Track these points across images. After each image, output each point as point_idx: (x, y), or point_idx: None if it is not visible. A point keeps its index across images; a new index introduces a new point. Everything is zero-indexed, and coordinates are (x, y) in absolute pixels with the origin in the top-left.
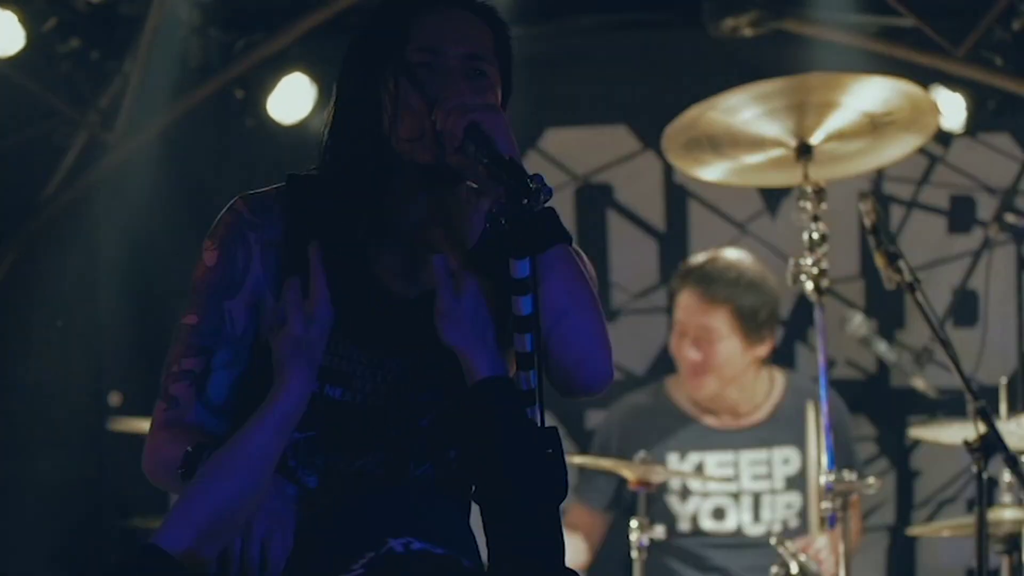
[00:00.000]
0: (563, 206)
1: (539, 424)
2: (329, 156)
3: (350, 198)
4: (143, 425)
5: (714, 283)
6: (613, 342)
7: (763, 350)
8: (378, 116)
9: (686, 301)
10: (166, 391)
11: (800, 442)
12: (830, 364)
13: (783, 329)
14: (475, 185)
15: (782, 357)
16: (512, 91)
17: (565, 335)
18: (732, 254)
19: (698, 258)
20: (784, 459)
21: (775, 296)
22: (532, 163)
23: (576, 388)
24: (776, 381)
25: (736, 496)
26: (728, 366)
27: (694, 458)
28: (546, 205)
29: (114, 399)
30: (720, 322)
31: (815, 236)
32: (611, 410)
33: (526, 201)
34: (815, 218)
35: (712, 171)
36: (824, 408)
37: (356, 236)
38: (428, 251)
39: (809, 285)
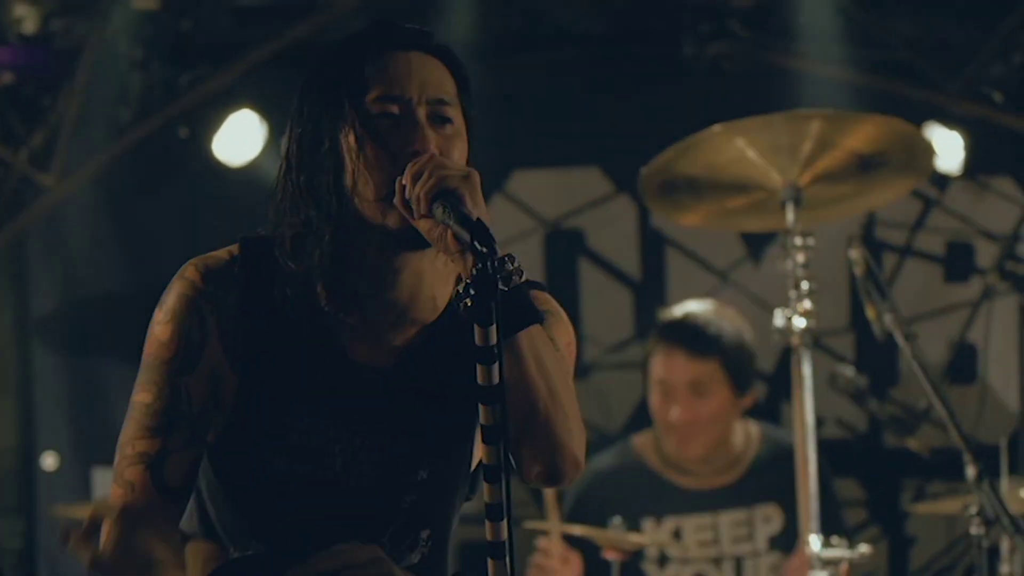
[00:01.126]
0: (531, 253)
1: (505, 488)
2: (285, 217)
3: (310, 264)
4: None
5: (699, 338)
6: (585, 399)
7: (748, 402)
8: (339, 173)
9: (670, 360)
10: (121, 475)
11: (781, 498)
12: (818, 423)
13: (767, 385)
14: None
15: (766, 414)
16: (476, 132)
17: (534, 425)
18: (703, 308)
19: (672, 314)
20: (765, 518)
21: (753, 346)
22: (498, 208)
23: (544, 479)
24: (752, 435)
25: (717, 561)
26: (719, 422)
27: (671, 523)
28: (518, 282)
29: (48, 461)
30: (710, 376)
31: (802, 285)
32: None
33: (493, 269)
34: (802, 266)
35: (691, 216)
36: (811, 471)
37: (318, 305)
38: (397, 317)
39: (795, 338)
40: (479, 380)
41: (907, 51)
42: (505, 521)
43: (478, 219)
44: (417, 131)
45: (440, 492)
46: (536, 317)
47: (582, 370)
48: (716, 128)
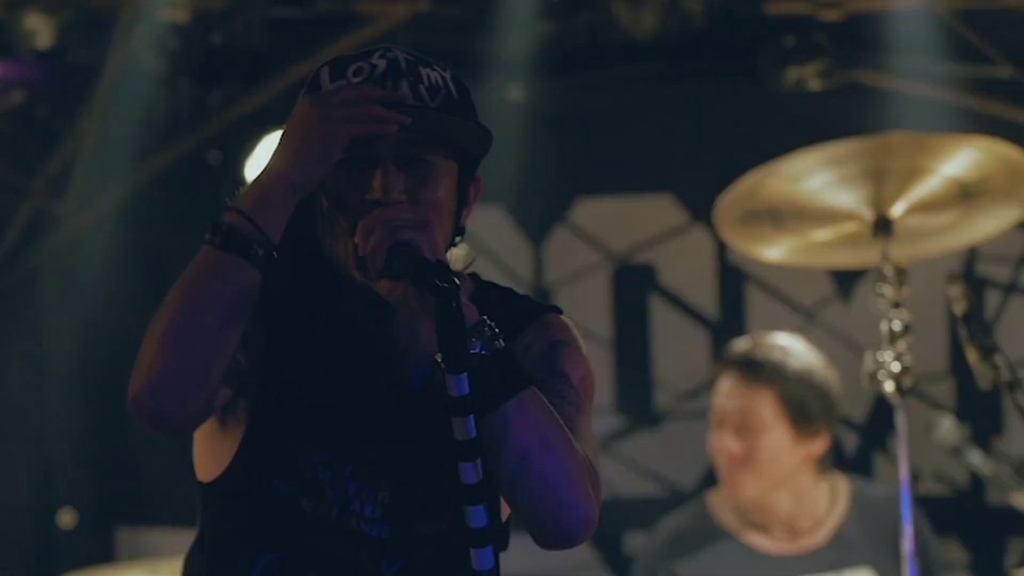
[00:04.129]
0: (598, 289)
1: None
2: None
3: (299, 298)
4: None
5: (756, 365)
6: (657, 450)
7: (817, 447)
8: (314, 224)
9: (725, 386)
10: None
11: (878, 561)
12: (914, 477)
13: (857, 435)
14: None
15: (858, 468)
16: (476, 170)
17: (532, 483)
18: (779, 337)
19: (741, 342)
20: None
21: (827, 384)
22: (560, 240)
23: (552, 540)
24: (839, 492)
25: None
26: (774, 462)
27: None
28: (500, 347)
29: (65, 519)
30: (764, 407)
31: (896, 326)
32: (650, 537)
33: (456, 305)
34: (896, 305)
35: (774, 249)
36: (907, 530)
37: (313, 331)
38: (402, 353)
39: (889, 384)
40: (456, 435)
41: (1012, 67)
42: None
43: (437, 259)
44: (376, 178)
45: (459, 548)
46: (525, 382)
47: (653, 418)
48: (801, 153)
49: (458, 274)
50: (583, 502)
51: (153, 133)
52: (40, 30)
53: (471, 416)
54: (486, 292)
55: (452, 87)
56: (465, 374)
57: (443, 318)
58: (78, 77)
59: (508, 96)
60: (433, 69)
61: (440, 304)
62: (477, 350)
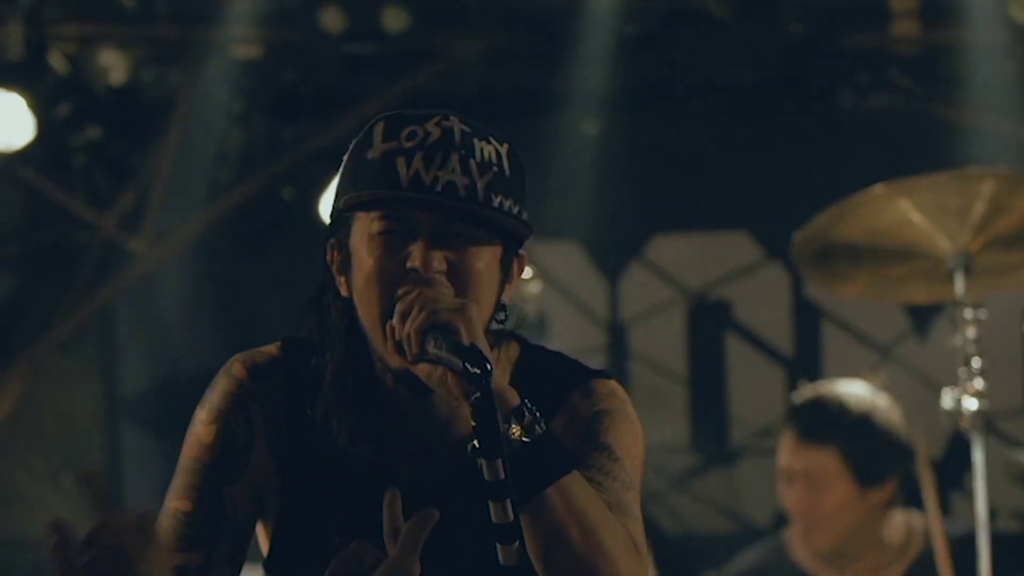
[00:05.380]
0: (673, 326)
1: None
2: (316, 330)
3: (349, 379)
4: None
5: (814, 421)
6: (731, 488)
7: (884, 495)
8: (350, 296)
9: (787, 444)
10: None
11: None
12: (991, 515)
13: (935, 474)
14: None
15: None
16: (521, 247)
17: (572, 570)
18: (838, 385)
19: (800, 394)
20: None
21: (889, 428)
22: (636, 276)
23: None
24: (915, 528)
25: None
26: (840, 517)
27: None
28: (540, 432)
29: None
30: (825, 465)
31: (973, 363)
32: (725, 570)
33: (488, 392)
34: (973, 341)
35: (850, 285)
36: (984, 568)
37: (358, 418)
38: (439, 436)
39: (966, 421)
40: (493, 518)
41: None
42: None
43: (471, 343)
44: (414, 247)
45: None
46: (566, 466)
47: (728, 456)
48: (877, 189)
49: (507, 341)
50: None
51: (227, 168)
52: (114, 66)
53: (508, 499)
54: (532, 358)
55: (505, 164)
56: (500, 459)
57: (477, 403)
58: (152, 112)
59: (583, 131)
60: (489, 143)
61: (473, 390)
62: (516, 435)
